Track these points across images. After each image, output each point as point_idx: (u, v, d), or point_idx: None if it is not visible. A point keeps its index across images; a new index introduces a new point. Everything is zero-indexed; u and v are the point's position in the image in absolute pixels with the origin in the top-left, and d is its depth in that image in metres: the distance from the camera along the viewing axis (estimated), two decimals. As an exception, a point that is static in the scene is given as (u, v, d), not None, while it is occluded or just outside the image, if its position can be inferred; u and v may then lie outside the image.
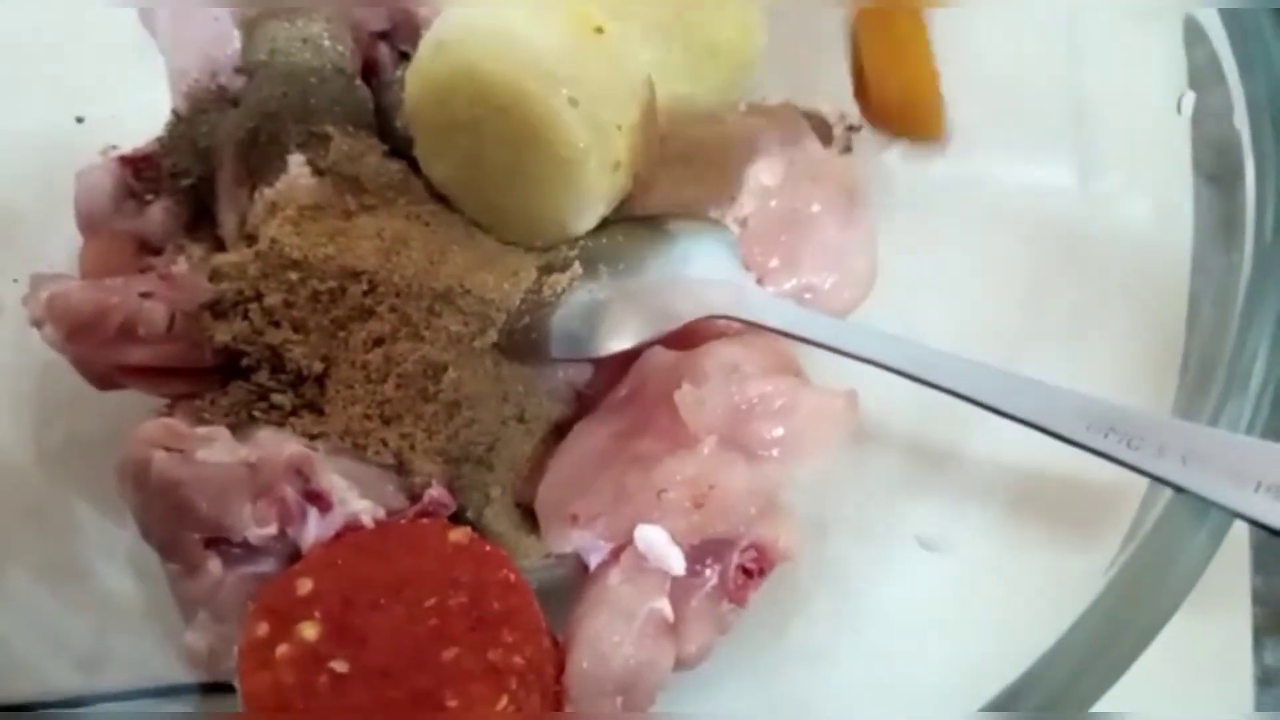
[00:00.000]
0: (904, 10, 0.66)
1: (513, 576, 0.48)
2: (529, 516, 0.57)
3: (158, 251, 0.61)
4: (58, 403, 0.63)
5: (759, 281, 0.58)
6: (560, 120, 0.50)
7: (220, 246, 0.59)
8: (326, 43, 0.59)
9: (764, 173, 0.61)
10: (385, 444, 0.53)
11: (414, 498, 0.53)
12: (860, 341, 0.50)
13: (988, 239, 0.68)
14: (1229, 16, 0.57)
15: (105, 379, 0.56)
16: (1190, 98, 0.57)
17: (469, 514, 0.56)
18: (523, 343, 0.56)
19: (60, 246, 0.64)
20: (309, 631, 0.45)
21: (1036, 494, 0.53)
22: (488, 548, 0.49)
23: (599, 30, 0.51)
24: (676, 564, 0.48)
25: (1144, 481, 0.47)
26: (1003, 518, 0.54)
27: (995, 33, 0.71)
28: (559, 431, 0.59)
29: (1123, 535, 0.46)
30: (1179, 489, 0.42)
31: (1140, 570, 0.43)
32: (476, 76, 0.50)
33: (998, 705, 0.44)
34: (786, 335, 0.52)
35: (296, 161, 0.56)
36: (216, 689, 0.54)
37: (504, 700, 0.44)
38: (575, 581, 0.53)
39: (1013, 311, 0.64)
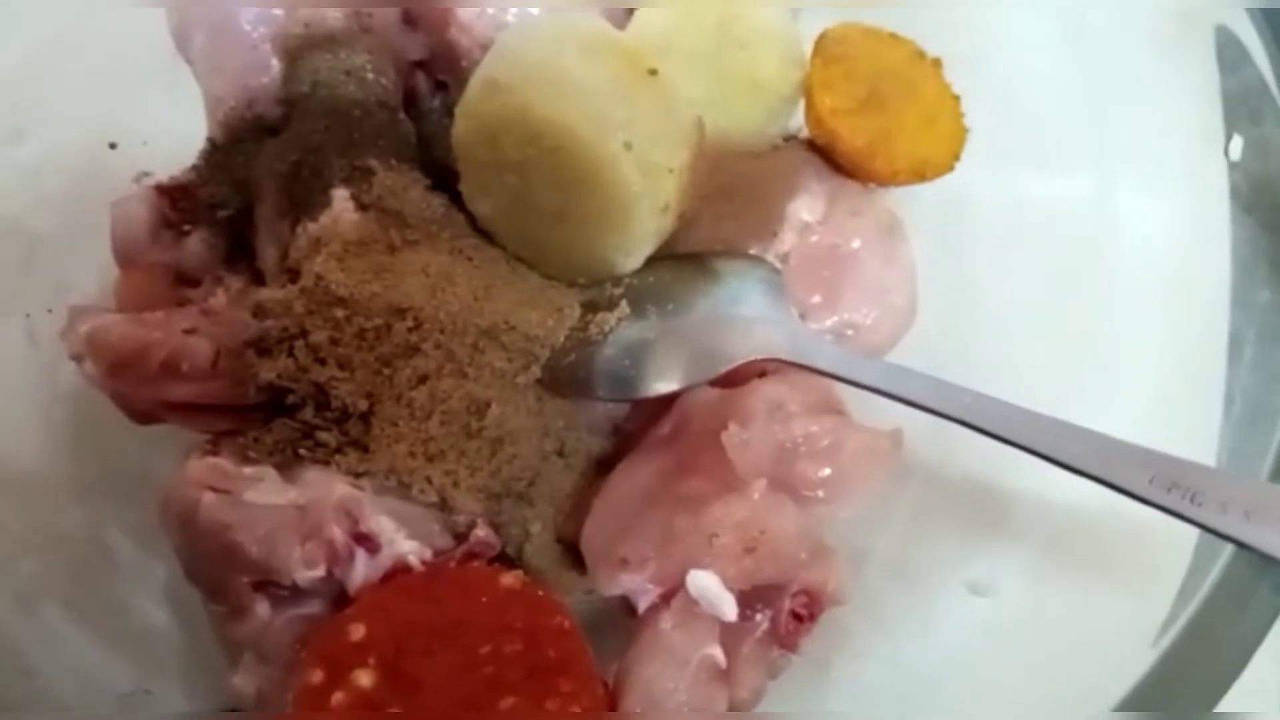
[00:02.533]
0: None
1: (567, 624, 0.47)
2: (569, 552, 0.57)
3: (195, 283, 0.61)
4: (92, 434, 0.62)
5: (801, 317, 0.58)
6: (614, 164, 0.50)
7: (258, 278, 0.59)
8: (370, 75, 0.59)
9: (804, 208, 0.61)
10: (429, 481, 0.53)
11: (459, 537, 0.53)
12: (916, 388, 0.50)
13: (1021, 269, 0.68)
14: (1273, 41, 0.57)
15: (145, 414, 0.56)
16: (1238, 141, 0.57)
17: (509, 550, 0.56)
18: (567, 380, 0.55)
19: (91, 274, 0.64)
20: (364, 679, 0.45)
21: (1087, 539, 0.53)
22: (540, 593, 0.49)
23: (652, 72, 0.51)
24: (729, 610, 0.48)
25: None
26: (1051, 564, 0.54)
27: (1021, 60, 0.72)
28: (598, 466, 0.59)
29: (1177, 586, 0.46)
30: (1242, 545, 0.42)
31: (1202, 628, 0.43)
32: (529, 118, 0.50)
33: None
34: (839, 379, 0.52)
35: (340, 196, 0.55)
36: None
37: (563, 751, 0.44)
38: (615, 616, 0.53)
39: (1052, 344, 0.64)
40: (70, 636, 0.58)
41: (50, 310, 0.62)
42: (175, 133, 0.63)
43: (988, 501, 0.56)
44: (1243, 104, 0.63)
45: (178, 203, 0.61)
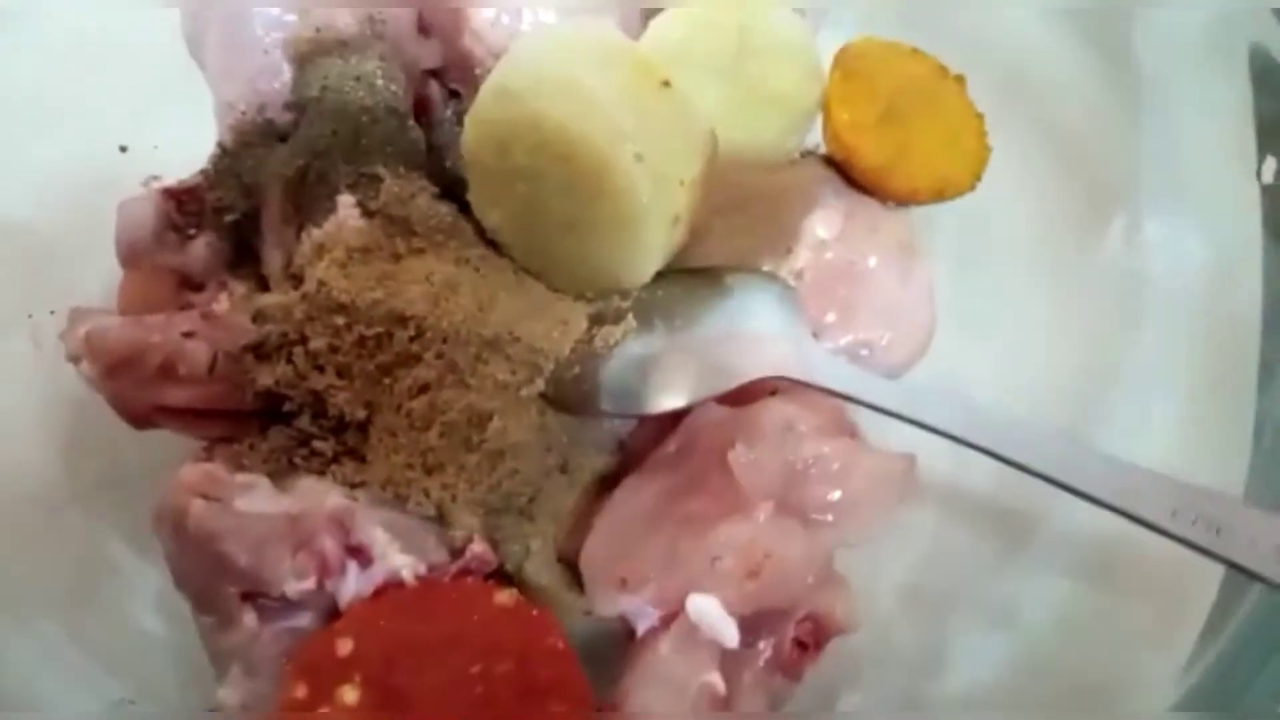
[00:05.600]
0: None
1: (560, 644, 0.46)
2: (570, 570, 0.56)
3: (199, 287, 0.60)
4: (93, 438, 0.62)
5: (815, 336, 0.56)
6: (624, 174, 0.49)
7: (263, 284, 0.58)
8: (380, 81, 0.58)
9: (820, 224, 0.60)
10: (427, 494, 0.52)
11: (455, 552, 0.52)
12: (932, 410, 0.48)
13: (1045, 294, 0.67)
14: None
15: (142, 418, 0.55)
16: (1271, 164, 0.55)
17: (508, 567, 0.55)
18: (571, 393, 0.54)
19: (98, 278, 0.63)
20: (349, 695, 0.44)
21: (1112, 569, 0.51)
22: (534, 612, 0.47)
23: (665, 84, 0.50)
24: (730, 636, 0.47)
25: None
26: (1074, 595, 0.52)
27: (1050, 81, 0.70)
28: (602, 483, 0.58)
29: (1203, 620, 0.44)
30: (1271, 584, 0.40)
31: (1230, 667, 0.40)
32: (541, 126, 0.49)
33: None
34: (851, 400, 0.51)
35: (346, 203, 0.55)
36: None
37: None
38: (616, 638, 0.52)
39: (1076, 369, 0.62)
40: (62, 641, 0.57)
41: (53, 312, 0.61)
42: (185, 139, 0.62)
43: (1007, 528, 0.54)
44: (1268, 127, 0.61)
45: (184, 206, 0.60)
